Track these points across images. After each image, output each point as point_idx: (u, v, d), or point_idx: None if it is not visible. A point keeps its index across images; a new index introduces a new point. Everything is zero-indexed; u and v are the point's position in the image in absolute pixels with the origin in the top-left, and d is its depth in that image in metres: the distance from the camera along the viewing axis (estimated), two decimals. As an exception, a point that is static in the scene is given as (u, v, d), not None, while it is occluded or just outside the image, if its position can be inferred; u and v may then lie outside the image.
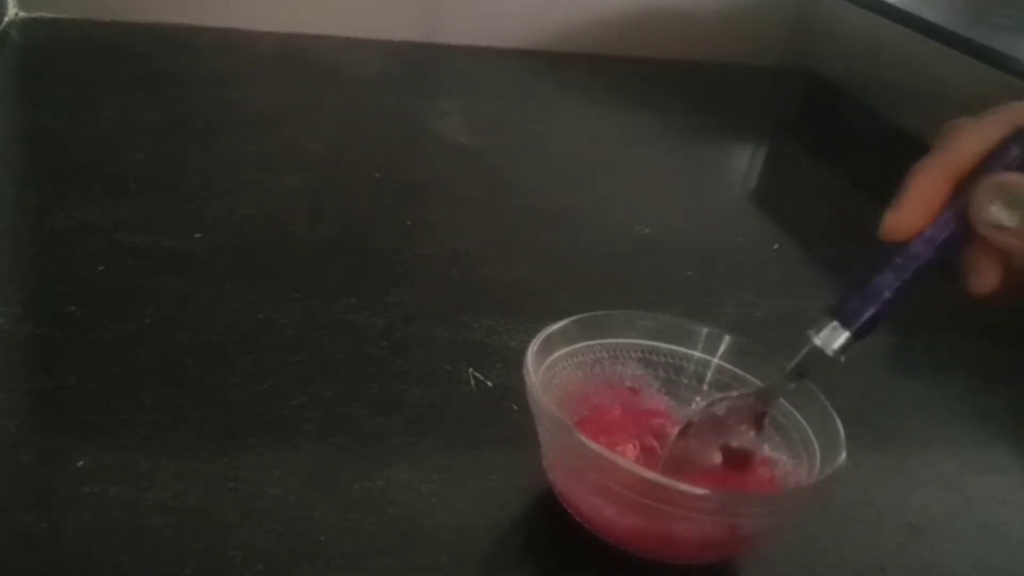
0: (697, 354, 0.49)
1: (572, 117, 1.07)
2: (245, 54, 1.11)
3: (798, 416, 0.45)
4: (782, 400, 0.45)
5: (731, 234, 0.82)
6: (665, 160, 0.98)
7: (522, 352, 0.44)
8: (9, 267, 0.63)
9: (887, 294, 0.38)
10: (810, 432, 0.44)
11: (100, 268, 0.62)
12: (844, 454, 0.41)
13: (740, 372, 0.48)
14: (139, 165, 0.78)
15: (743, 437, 0.44)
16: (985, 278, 0.36)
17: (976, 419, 0.60)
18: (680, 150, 1.01)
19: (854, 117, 1.12)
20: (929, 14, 1.07)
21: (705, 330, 0.49)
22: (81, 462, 0.45)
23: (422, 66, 1.17)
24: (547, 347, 0.46)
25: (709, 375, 0.49)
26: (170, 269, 0.63)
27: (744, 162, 1.05)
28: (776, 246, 0.79)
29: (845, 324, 0.39)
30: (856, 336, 0.39)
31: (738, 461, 0.44)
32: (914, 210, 0.36)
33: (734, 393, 0.47)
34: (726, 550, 0.42)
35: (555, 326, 0.47)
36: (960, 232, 0.35)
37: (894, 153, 1.00)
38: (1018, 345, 0.69)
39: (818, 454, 0.43)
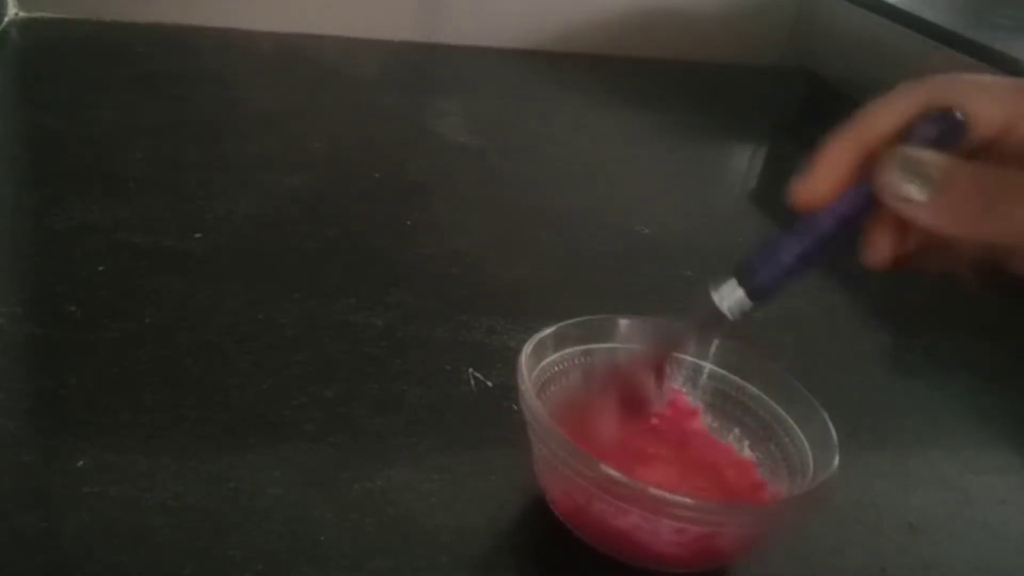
0: (689, 358, 0.49)
1: (572, 117, 1.07)
2: (245, 54, 1.11)
3: (791, 422, 0.45)
4: (774, 405, 0.46)
5: (731, 234, 0.82)
6: (665, 160, 0.98)
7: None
8: (9, 267, 0.63)
9: (787, 259, 0.38)
10: (803, 437, 0.44)
11: (100, 268, 0.62)
12: (837, 460, 0.41)
13: (730, 375, 0.48)
14: (139, 165, 0.78)
15: (646, 388, 0.44)
16: (880, 249, 0.36)
17: (976, 419, 0.60)
18: (680, 150, 1.01)
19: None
20: (929, 14, 1.07)
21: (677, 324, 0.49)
22: (81, 462, 0.45)
23: (422, 66, 1.17)
24: (540, 351, 0.46)
25: (702, 379, 0.49)
26: (170, 269, 0.63)
27: (744, 162, 1.05)
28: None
29: (741, 283, 0.39)
30: (752, 297, 0.39)
31: (636, 408, 0.44)
32: (822, 179, 0.37)
33: (637, 347, 0.47)
34: (717, 559, 0.42)
35: (548, 330, 0.47)
36: (866, 205, 0.36)
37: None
38: (1018, 345, 0.69)
39: (811, 460, 0.43)
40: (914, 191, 0.33)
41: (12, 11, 1.07)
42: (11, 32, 1.05)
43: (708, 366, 0.49)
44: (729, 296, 0.39)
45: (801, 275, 0.38)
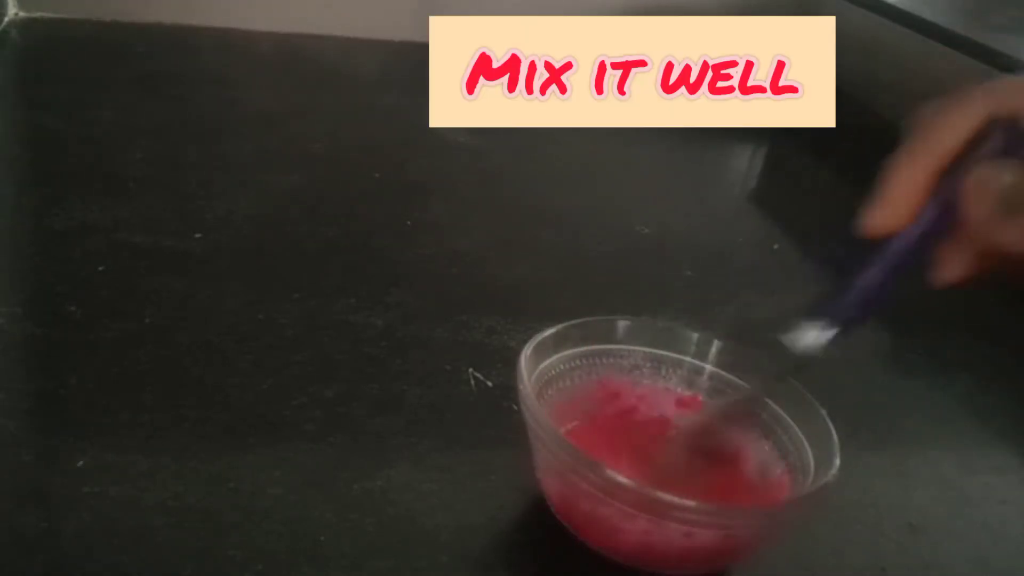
0: (688, 359, 0.49)
1: (572, 117, 1.06)
2: (245, 54, 1.11)
3: (791, 422, 0.45)
4: (774, 406, 0.46)
5: (731, 234, 0.82)
6: (665, 160, 0.98)
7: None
8: (9, 267, 0.63)
9: (874, 290, 0.38)
10: (804, 439, 0.44)
11: (100, 268, 0.62)
12: (838, 462, 0.41)
13: (732, 377, 0.48)
14: (139, 165, 0.78)
15: (731, 440, 0.45)
16: (956, 268, 0.36)
17: (976, 419, 0.60)
18: (680, 150, 1.01)
19: (854, 117, 1.12)
20: (929, 14, 1.07)
21: (696, 335, 0.49)
22: (81, 462, 0.45)
23: (422, 66, 1.17)
24: (540, 352, 0.46)
25: (702, 380, 0.49)
26: (170, 269, 0.63)
27: (744, 162, 1.05)
28: (776, 246, 0.79)
29: (832, 322, 0.39)
30: (843, 332, 0.39)
31: (723, 460, 0.44)
32: (896, 206, 0.36)
33: (722, 399, 0.47)
34: (716, 561, 0.42)
35: (548, 331, 0.46)
36: (941, 226, 0.35)
37: (893, 153, 1.00)
38: (1018, 345, 0.69)
39: (812, 461, 0.43)
40: (998, 215, 0.32)
41: (12, 11, 1.07)
42: (11, 32, 1.05)
43: (708, 367, 0.49)
44: (812, 340, 0.39)
45: (888, 303, 0.38)
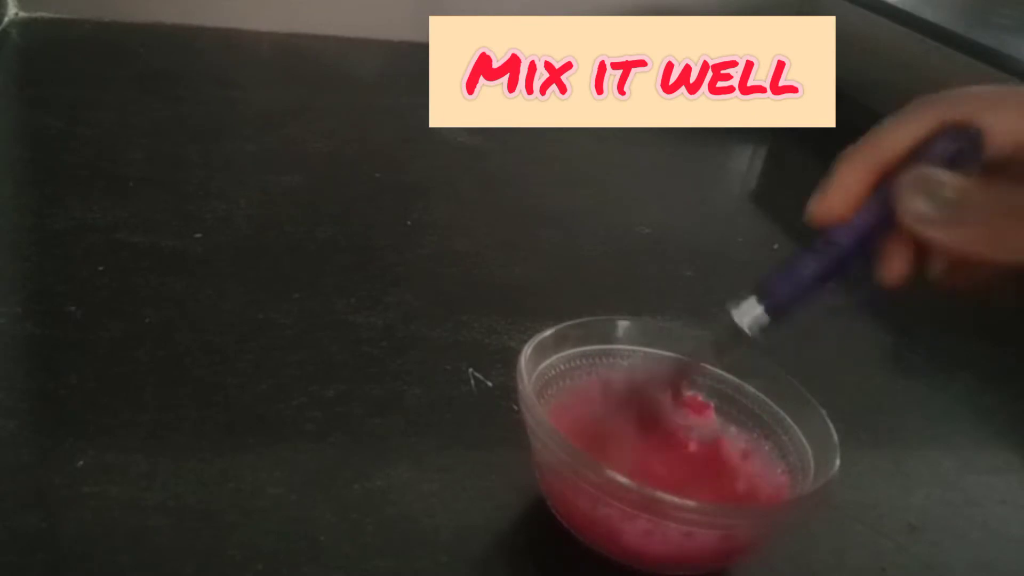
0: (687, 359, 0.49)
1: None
2: (245, 54, 1.11)
3: (791, 423, 0.45)
4: (773, 405, 0.46)
5: (731, 234, 0.82)
6: (665, 160, 0.98)
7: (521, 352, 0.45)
8: (9, 267, 0.62)
9: (805, 276, 0.38)
10: (804, 439, 0.44)
11: (100, 268, 0.62)
12: (838, 462, 0.41)
13: (730, 376, 0.48)
14: (139, 165, 0.78)
15: (662, 405, 0.45)
16: (896, 268, 0.36)
17: (976, 419, 0.60)
18: (680, 150, 1.01)
19: (854, 117, 1.12)
20: (929, 14, 1.07)
21: (692, 334, 0.49)
22: (81, 462, 0.45)
23: (422, 66, 1.17)
24: (540, 352, 0.46)
25: (702, 380, 0.49)
26: (170, 269, 0.63)
27: (744, 162, 1.05)
28: (776, 246, 0.79)
29: (761, 300, 0.39)
30: (771, 313, 0.39)
31: (650, 426, 0.44)
32: (839, 197, 0.37)
33: (657, 365, 0.47)
34: (716, 561, 0.42)
35: (548, 331, 0.46)
36: (882, 223, 0.36)
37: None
38: (1018, 345, 0.69)
39: (811, 461, 0.43)
40: (930, 213, 0.32)
41: (12, 11, 1.07)
42: (11, 32, 1.05)
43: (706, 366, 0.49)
44: (748, 313, 0.39)
45: (819, 292, 0.38)
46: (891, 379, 0.64)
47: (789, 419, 0.45)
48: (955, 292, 0.37)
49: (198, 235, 0.67)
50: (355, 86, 1.07)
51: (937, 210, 0.32)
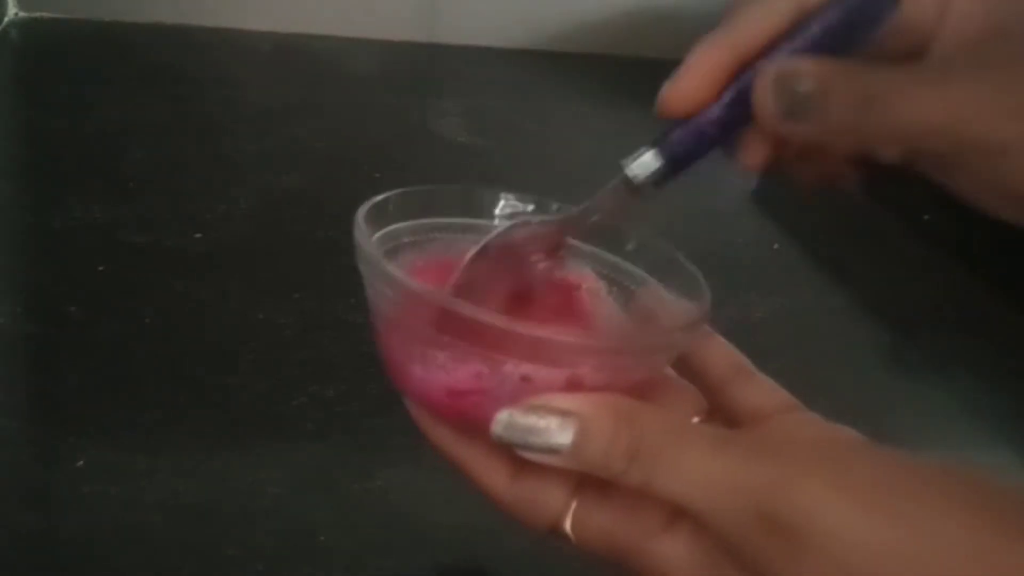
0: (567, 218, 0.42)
1: (572, 117, 1.07)
2: (245, 53, 1.10)
3: (656, 285, 0.40)
4: (642, 272, 0.41)
5: (731, 234, 0.82)
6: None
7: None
8: (9, 267, 0.63)
9: (707, 129, 0.36)
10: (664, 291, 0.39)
11: (100, 268, 0.62)
12: (707, 306, 0.36)
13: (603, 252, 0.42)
14: (139, 164, 0.78)
15: (537, 267, 0.39)
16: (754, 155, 0.35)
17: (976, 419, 0.60)
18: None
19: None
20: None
21: (555, 206, 0.43)
22: (81, 462, 0.45)
23: (422, 66, 1.17)
24: (379, 216, 0.39)
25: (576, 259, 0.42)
26: (170, 269, 0.63)
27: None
28: (776, 246, 0.79)
29: (657, 150, 0.37)
30: (667, 166, 0.37)
31: (515, 288, 0.38)
32: (693, 84, 0.34)
33: (535, 219, 0.41)
34: None
35: (389, 194, 0.40)
36: (740, 113, 0.34)
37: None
38: (1019, 345, 0.69)
39: (681, 316, 0.37)
40: (783, 109, 0.31)
41: (12, 11, 1.07)
42: (11, 32, 1.05)
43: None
44: (643, 166, 0.37)
45: (715, 148, 0.36)
46: (891, 379, 0.64)
47: (655, 280, 0.40)
48: (802, 182, 0.36)
49: (198, 235, 0.67)
50: (355, 86, 1.07)
51: (790, 107, 0.31)
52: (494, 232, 0.41)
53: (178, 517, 0.42)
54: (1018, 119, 0.28)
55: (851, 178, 0.35)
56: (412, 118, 0.99)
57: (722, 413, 0.33)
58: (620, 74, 1.19)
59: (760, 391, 0.34)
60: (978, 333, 0.70)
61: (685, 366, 0.35)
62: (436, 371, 0.34)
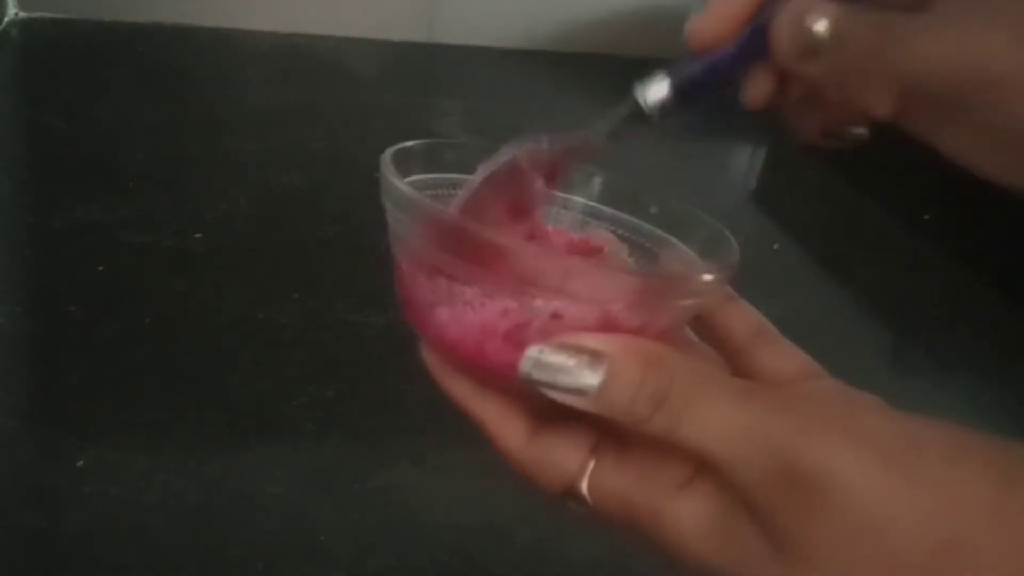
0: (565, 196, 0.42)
1: (572, 117, 1.07)
2: (245, 54, 1.11)
3: (680, 246, 0.39)
4: (664, 233, 0.40)
5: (731, 234, 0.81)
6: (665, 160, 0.98)
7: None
8: (9, 267, 0.63)
9: (722, 61, 0.36)
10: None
11: (100, 268, 0.62)
12: (736, 258, 0.33)
13: (618, 212, 0.41)
14: (139, 164, 0.78)
15: (534, 187, 0.39)
16: (760, 91, 0.35)
17: (976, 419, 0.60)
18: (680, 150, 1.01)
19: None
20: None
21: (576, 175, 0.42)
22: (81, 461, 0.45)
23: (422, 66, 1.17)
24: (406, 161, 0.39)
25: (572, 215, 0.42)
26: (170, 269, 0.63)
27: (744, 162, 1.05)
28: (776, 246, 0.79)
29: (669, 76, 0.37)
30: (677, 92, 0.37)
31: (515, 210, 0.39)
32: (715, 20, 0.35)
33: (543, 141, 0.41)
34: None
35: (415, 143, 0.39)
36: (756, 49, 0.34)
37: (893, 153, 1.00)
38: (1019, 345, 0.69)
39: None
40: (798, 51, 0.31)
41: (12, 11, 1.07)
42: (11, 32, 1.05)
43: (589, 203, 0.42)
44: (653, 92, 0.37)
45: (728, 81, 0.36)
46: (891, 379, 0.64)
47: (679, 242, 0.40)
48: (803, 129, 0.36)
49: (198, 235, 0.67)
50: (355, 86, 1.07)
51: (806, 45, 0.31)
52: (501, 156, 0.39)
53: (178, 516, 0.42)
54: (1014, 51, 0.29)
55: (849, 132, 0.36)
56: (412, 118, 0.99)
57: (745, 377, 0.33)
58: (620, 74, 1.19)
59: (783, 355, 0.34)
60: (978, 333, 0.70)
61: (707, 329, 0.35)
62: (463, 308, 0.32)
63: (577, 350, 0.29)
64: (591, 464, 0.30)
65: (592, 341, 0.29)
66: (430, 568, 0.41)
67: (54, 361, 0.52)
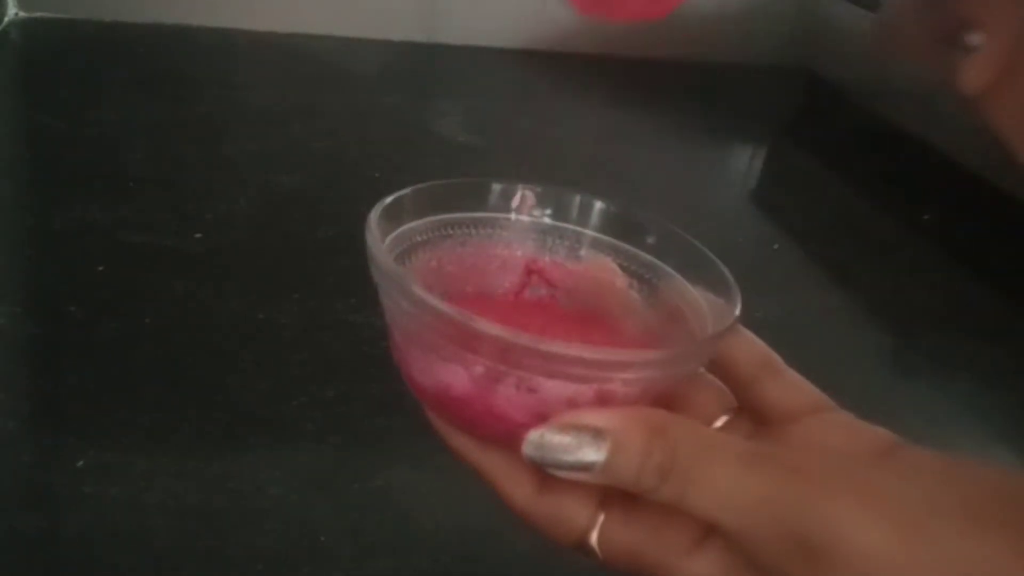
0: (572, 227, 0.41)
1: (572, 117, 1.07)
2: (245, 54, 1.11)
3: (684, 281, 0.38)
4: (665, 267, 0.39)
5: (731, 234, 0.82)
6: (665, 160, 0.98)
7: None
8: (9, 267, 0.63)
9: None
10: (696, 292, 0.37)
11: (100, 268, 0.62)
12: (738, 309, 0.34)
13: (618, 242, 0.40)
14: (139, 165, 0.78)
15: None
16: None
17: (976, 419, 0.60)
18: (680, 150, 1.01)
19: (853, 117, 1.12)
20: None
21: (578, 199, 0.41)
22: (81, 462, 0.45)
23: (422, 66, 1.17)
24: (395, 214, 0.37)
25: (582, 250, 0.41)
26: (170, 269, 0.63)
27: (744, 162, 1.05)
28: (776, 246, 0.79)
29: None
30: None
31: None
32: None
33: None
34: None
35: (404, 192, 0.38)
36: None
37: (893, 153, 1.00)
38: (1018, 345, 0.69)
39: (707, 312, 0.36)
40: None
41: (12, 11, 1.07)
42: (11, 32, 1.05)
43: (589, 233, 0.41)
44: None
45: None
46: (891, 379, 0.64)
47: (682, 279, 0.38)
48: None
49: (198, 235, 0.67)
50: (355, 86, 1.07)
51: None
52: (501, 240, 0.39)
53: (178, 517, 0.42)
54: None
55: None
56: (412, 118, 0.99)
57: (751, 410, 0.33)
58: (620, 74, 1.19)
59: (790, 389, 0.33)
60: (978, 333, 0.70)
61: (713, 361, 0.35)
62: (459, 383, 0.33)
63: (578, 428, 0.29)
64: (600, 517, 0.30)
65: (592, 418, 0.29)
66: (431, 569, 0.41)
67: (54, 361, 0.52)
